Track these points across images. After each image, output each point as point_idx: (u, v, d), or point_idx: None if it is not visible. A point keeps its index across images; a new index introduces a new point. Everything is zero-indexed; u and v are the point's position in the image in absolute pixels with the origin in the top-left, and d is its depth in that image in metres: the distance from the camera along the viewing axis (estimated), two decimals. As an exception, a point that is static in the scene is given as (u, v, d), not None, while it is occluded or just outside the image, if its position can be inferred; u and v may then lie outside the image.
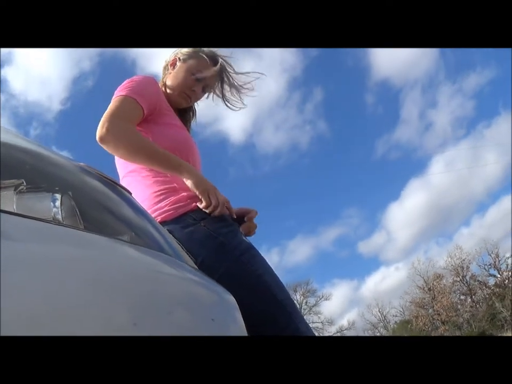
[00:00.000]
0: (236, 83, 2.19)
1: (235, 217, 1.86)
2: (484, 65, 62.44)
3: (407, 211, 62.16)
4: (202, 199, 1.76)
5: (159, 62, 2.26)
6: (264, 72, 2.15)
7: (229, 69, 2.17)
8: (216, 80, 2.19)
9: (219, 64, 2.13)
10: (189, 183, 1.79)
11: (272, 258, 60.42)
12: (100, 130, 1.74)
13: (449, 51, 60.45)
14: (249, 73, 2.19)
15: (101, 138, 1.75)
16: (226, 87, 2.21)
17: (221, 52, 2.16)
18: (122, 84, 1.93)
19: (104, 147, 1.81)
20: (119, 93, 1.87)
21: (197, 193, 1.78)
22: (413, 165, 68.66)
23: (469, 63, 64.78)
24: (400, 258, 66.98)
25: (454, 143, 62.16)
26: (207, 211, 1.75)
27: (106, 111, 1.80)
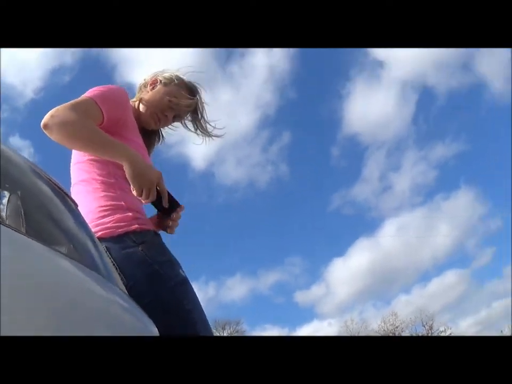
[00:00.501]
0: (204, 124, 2.22)
1: (166, 206, 1.81)
2: (453, 138, 63.88)
3: (350, 268, 62.15)
4: (135, 192, 1.72)
5: (139, 73, 2.26)
6: (224, 133, 2.23)
7: (201, 108, 2.20)
8: (188, 113, 2.21)
9: (195, 99, 2.16)
10: (127, 174, 1.73)
11: (208, 291, 59.58)
12: (45, 117, 1.68)
13: (422, 119, 61.76)
14: (215, 123, 2.23)
15: (44, 124, 1.68)
16: (195, 123, 2.23)
17: (199, 86, 2.20)
18: (94, 88, 1.89)
19: (47, 132, 1.71)
20: (86, 94, 1.84)
21: (132, 186, 1.74)
22: (365, 223, 69.27)
23: (439, 134, 66.23)
24: (335, 314, 67.02)
25: (409, 209, 62.93)
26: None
27: (66, 103, 1.74)
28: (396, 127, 66.41)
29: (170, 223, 1.92)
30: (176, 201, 1.86)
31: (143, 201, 1.77)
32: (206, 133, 2.22)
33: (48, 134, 1.71)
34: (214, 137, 2.23)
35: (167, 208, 1.83)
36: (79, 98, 1.79)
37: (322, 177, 68.94)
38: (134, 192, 1.73)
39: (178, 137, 2.38)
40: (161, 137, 2.31)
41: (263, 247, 69.82)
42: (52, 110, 1.70)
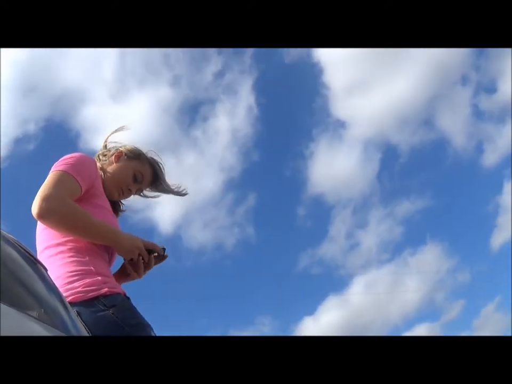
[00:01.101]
0: (165, 189, 2.33)
1: (163, 253, 2.06)
2: (418, 194, 64.53)
3: (321, 326, 61.17)
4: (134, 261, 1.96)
5: (102, 140, 2.30)
6: (187, 192, 2.33)
7: (161, 177, 2.29)
8: (148, 186, 2.30)
9: (157, 172, 2.28)
10: (118, 253, 1.97)
11: (179, 355, 58.21)
12: (38, 206, 1.72)
13: (387, 176, 62.61)
14: (177, 187, 2.34)
15: (41, 215, 1.74)
16: (154, 192, 2.35)
17: (158, 157, 2.30)
18: (61, 159, 1.93)
19: (45, 223, 1.82)
20: (58, 167, 1.86)
21: (127, 258, 1.98)
22: (333, 282, 68.35)
23: (403, 190, 66.87)
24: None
25: (377, 265, 62.71)
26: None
27: (42, 186, 1.78)
28: (361, 185, 66.50)
29: (139, 270, 2.02)
30: (164, 248, 2.06)
31: (146, 264, 1.99)
32: (171, 193, 2.32)
33: (44, 224, 1.82)
34: (179, 195, 2.33)
35: (163, 254, 2.07)
36: (57, 175, 1.83)
37: (289, 238, 68.23)
38: (133, 263, 1.97)
39: (144, 203, 2.44)
40: (121, 206, 2.35)
41: (234, 308, 68.48)
42: (39, 196, 1.74)
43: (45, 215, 1.74)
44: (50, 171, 1.87)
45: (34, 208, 1.74)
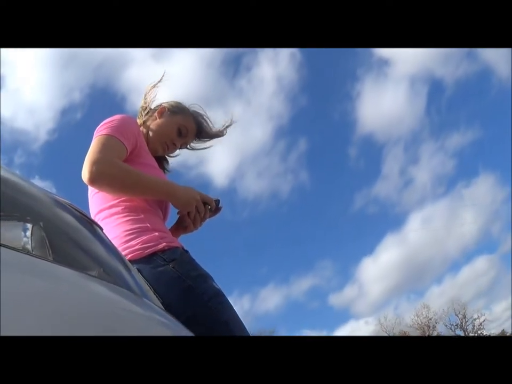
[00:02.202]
0: (208, 139, 2.34)
1: (220, 206, 2.11)
2: (467, 126, 64.00)
3: (380, 266, 62.24)
4: (190, 215, 1.98)
5: (163, 94, 2.32)
6: (236, 120, 2.32)
7: (205, 128, 2.30)
8: (193, 139, 2.31)
9: (202, 125, 2.28)
10: (175, 206, 1.99)
11: (243, 304, 60.08)
12: (88, 172, 1.73)
13: (434, 110, 62.05)
14: (223, 128, 2.33)
15: (92, 180, 1.75)
16: (199, 143, 2.36)
17: (202, 110, 2.30)
18: (103, 123, 1.94)
19: (96, 187, 1.85)
20: (101, 132, 1.87)
21: (183, 211, 1.99)
22: (389, 220, 69.23)
23: (453, 123, 66.35)
24: (371, 312, 67.02)
25: (432, 200, 62.99)
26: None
27: (90, 152, 1.79)
28: (410, 121, 66.89)
29: (196, 222, 2.06)
30: (218, 200, 2.10)
31: (202, 216, 2.02)
32: (220, 134, 2.33)
33: (96, 188, 1.85)
34: (228, 127, 2.33)
35: (218, 207, 2.10)
36: (102, 139, 1.84)
37: (343, 179, 69.24)
38: (190, 215, 1.99)
39: (197, 159, 2.47)
40: (168, 161, 2.38)
41: (293, 255, 70.14)
42: (88, 161, 1.75)
43: (96, 179, 1.75)
44: (94, 137, 1.88)
45: (85, 174, 1.75)
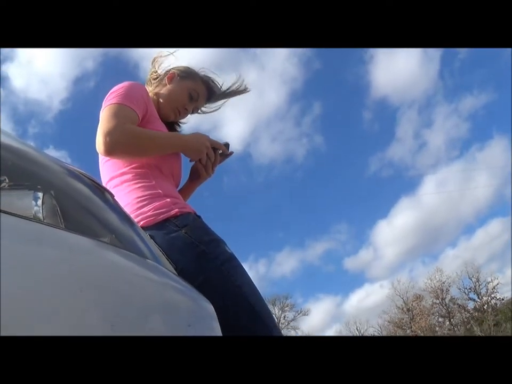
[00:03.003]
0: (219, 102, 2.35)
1: (228, 152, 2.16)
2: (481, 89, 63.38)
3: (395, 229, 62.43)
4: (201, 161, 2.06)
5: (175, 58, 2.31)
6: (249, 87, 2.30)
7: (216, 91, 2.30)
8: (205, 103, 2.31)
9: (212, 89, 2.28)
10: (186, 155, 2.05)
11: (259, 269, 60.80)
12: (103, 144, 1.74)
13: (448, 73, 61.36)
14: (235, 90, 2.32)
15: (108, 151, 1.76)
16: (210, 106, 2.36)
17: (211, 74, 2.29)
18: (111, 91, 1.93)
19: (113, 157, 1.86)
20: (110, 101, 1.86)
21: (194, 159, 2.08)
22: (404, 183, 69.15)
23: (466, 86, 65.71)
24: (386, 276, 67.22)
25: (446, 163, 62.76)
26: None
27: (101, 123, 1.79)
28: (424, 84, 66.41)
29: (208, 168, 2.11)
30: (227, 143, 2.15)
31: (213, 162, 2.08)
32: (232, 94, 2.33)
33: (115, 158, 1.85)
34: (241, 92, 2.33)
35: (228, 152, 2.15)
36: (113, 108, 1.83)
37: (357, 143, 69.04)
38: (202, 161, 2.06)
39: (211, 124, 2.49)
40: (180, 127, 2.39)
41: (308, 219, 70.36)
42: (101, 132, 1.75)
43: (111, 150, 1.76)
44: (103, 107, 1.87)
45: (100, 146, 1.75)
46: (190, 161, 2.10)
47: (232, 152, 2.17)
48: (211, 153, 2.04)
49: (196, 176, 2.16)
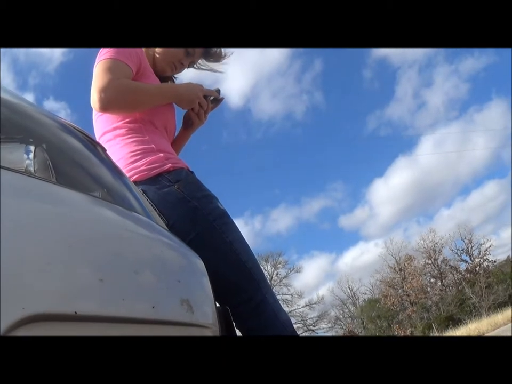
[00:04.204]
0: (215, 61, 2.32)
1: (220, 97, 2.18)
2: (481, 51, 62.88)
3: (391, 188, 62.58)
4: (194, 110, 2.08)
5: None
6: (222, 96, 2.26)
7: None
8: (200, 58, 2.28)
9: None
10: (178, 105, 2.06)
11: (254, 225, 61.15)
12: (98, 100, 1.73)
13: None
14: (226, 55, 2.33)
15: (103, 108, 1.76)
16: (206, 63, 2.33)
17: None
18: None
19: (109, 112, 1.85)
20: (103, 56, 1.84)
21: (187, 107, 2.08)
22: (402, 143, 68.94)
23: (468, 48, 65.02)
24: (381, 234, 67.76)
25: (445, 123, 62.61)
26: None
27: (95, 78, 1.78)
28: None
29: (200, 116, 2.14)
30: (218, 89, 2.18)
31: (206, 109, 2.09)
32: (219, 59, 2.32)
33: (109, 113, 1.85)
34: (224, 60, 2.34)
35: (218, 96, 2.17)
36: (105, 63, 1.81)
37: (357, 101, 68.53)
38: (194, 110, 2.08)
39: (212, 78, 2.48)
40: (174, 81, 2.38)
41: (305, 176, 70.36)
42: (95, 89, 1.75)
43: (107, 105, 1.76)
44: (96, 62, 1.86)
45: (95, 103, 1.75)
46: (183, 109, 2.12)
47: (223, 98, 2.20)
48: (203, 102, 2.06)
49: (189, 124, 2.18)
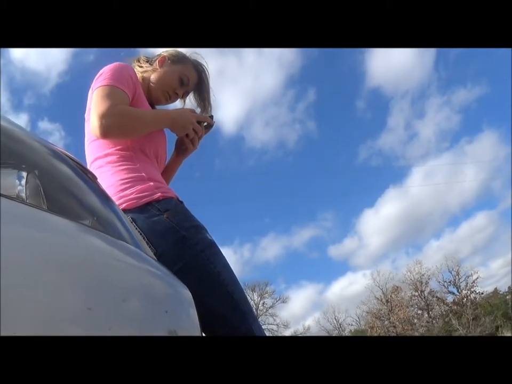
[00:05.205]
0: (207, 97, 2.32)
1: (213, 123, 2.17)
2: (474, 83, 63.66)
3: (381, 219, 62.54)
4: (189, 136, 2.07)
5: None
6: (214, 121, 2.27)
7: (206, 82, 2.30)
8: (194, 88, 2.30)
9: (202, 74, 2.28)
10: (172, 131, 2.05)
11: (243, 253, 60.94)
12: (98, 127, 1.76)
13: (442, 66, 61.59)
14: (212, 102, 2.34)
15: (104, 134, 1.78)
16: (198, 98, 2.34)
17: (202, 60, 2.30)
18: (100, 73, 1.94)
19: (109, 139, 1.86)
20: (101, 83, 1.87)
21: (181, 134, 2.07)
22: (392, 173, 69.18)
23: (460, 79, 66.00)
24: (369, 265, 67.47)
25: (436, 154, 63.05)
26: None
27: (94, 105, 1.80)
28: (418, 75, 66.75)
29: (194, 142, 2.13)
30: (211, 115, 2.19)
31: (200, 135, 2.10)
32: (207, 104, 2.32)
33: (109, 140, 1.86)
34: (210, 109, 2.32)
35: (212, 123, 2.17)
36: (104, 90, 1.85)
37: (349, 130, 69.00)
38: (189, 136, 2.07)
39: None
40: None
41: (295, 205, 70.33)
42: (95, 116, 1.77)
43: (107, 132, 1.78)
44: (93, 88, 1.89)
45: (95, 129, 1.77)
46: (177, 135, 2.12)
47: (214, 122, 2.19)
48: (198, 128, 2.06)
49: (181, 150, 2.19)
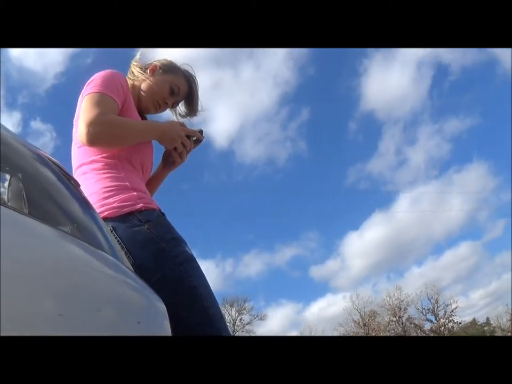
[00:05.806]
0: (195, 108, 2.33)
1: (202, 138, 2.17)
2: (467, 113, 64.28)
3: (365, 242, 62.63)
4: (177, 149, 2.07)
5: (162, 50, 2.33)
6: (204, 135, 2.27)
7: (196, 92, 2.30)
8: (184, 98, 2.31)
9: (192, 85, 2.28)
10: (161, 143, 2.06)
11: (225, 268, 60.71)
12: (86, 134, 1.76)
13: (436, 95, 62.19)
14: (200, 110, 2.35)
15: (91, 142, 1.78)
16: (186, 108, 2.35)
17: (192, 71, 2.31)
18: (90, 80, 1.95)
19: (96, 147, 1.86)
20: (90, 90, 1.87)
21: (169, 147, 2.07)
22: (379, 198, 69.60)
23: (453, 109, 66.67)
24: (349, 288, 67.64)
25: (424, 181, 63.45)
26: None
27: (83, 112, 1.81)
28: (412, 102, 67.47)
29: (182, 155, 2.13)
30: (201, 130, 2.17)
31: (188, 149, 2.09)
32: (193, 114, 2.34)
33: (96, 148, 1.86)
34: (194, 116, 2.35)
35: (201, 137, 2.16)
36: (93, 97, 1.85)
37: (340, 152, 69.36)
38: (177, 150, 2.07)
39: (201, 118, 2.47)
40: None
41: (281, 223, 70.28)
42: (84, 123, 1.78)
43: (94, 140, 1.78)
44: (83, 95, 1.90)
45: (83, 136, 1.77)
46: (166, 148, 2.12)
47: (203, 137, 2.19)
48: (186, 142, 2.07)
49: (169, 162, 2.18)
